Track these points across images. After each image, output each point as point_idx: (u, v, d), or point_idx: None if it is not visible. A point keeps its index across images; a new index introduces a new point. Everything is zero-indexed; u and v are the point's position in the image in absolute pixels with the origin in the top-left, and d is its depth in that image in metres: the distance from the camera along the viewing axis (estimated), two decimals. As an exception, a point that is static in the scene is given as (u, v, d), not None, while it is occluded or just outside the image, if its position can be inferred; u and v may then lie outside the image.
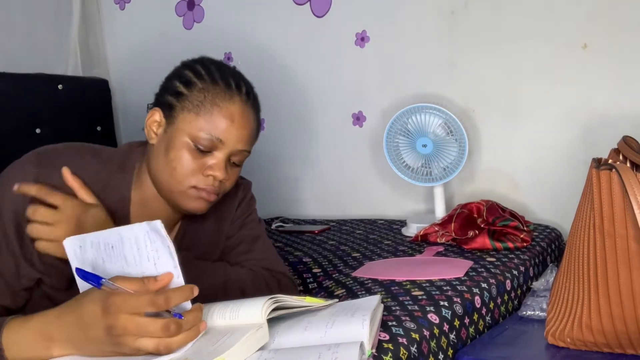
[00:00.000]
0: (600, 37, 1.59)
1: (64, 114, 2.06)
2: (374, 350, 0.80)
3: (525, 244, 1.41)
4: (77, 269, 0.81)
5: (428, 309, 1.01)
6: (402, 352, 0.86)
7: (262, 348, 0.78)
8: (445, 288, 1.12)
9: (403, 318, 0.96)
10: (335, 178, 2.07)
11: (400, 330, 0.91)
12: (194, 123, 0.99)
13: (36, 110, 2.01)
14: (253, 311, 0.79)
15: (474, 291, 1.13)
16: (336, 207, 2.06)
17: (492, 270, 1.25)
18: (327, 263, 1.40)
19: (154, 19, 2.38)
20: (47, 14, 2.29)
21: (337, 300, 0.94)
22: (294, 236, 1.78)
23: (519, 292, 1.28)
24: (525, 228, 1.44)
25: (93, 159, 1.03)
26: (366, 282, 1.21)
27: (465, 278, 1.18)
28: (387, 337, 0.87)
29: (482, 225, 1.44)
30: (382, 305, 0.93)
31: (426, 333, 0.94)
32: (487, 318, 1.15)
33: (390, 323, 0.93)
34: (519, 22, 1.69)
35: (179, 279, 0.80)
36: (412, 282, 1.17)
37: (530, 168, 1.73)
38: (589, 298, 0.93)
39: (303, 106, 2.10)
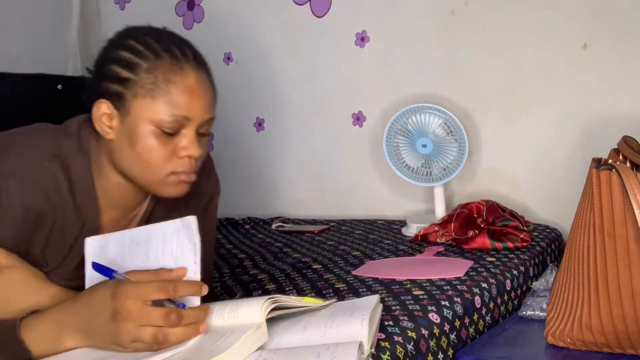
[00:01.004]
0: (600, 37, 1.59)
1: (64, 114, 2.06)
2: (373, 350, 0.80)
3: (525, 244, 1.41)
4: (93, 263, 0.83)
5: (428, 308, 1.01)
6: (399, 351, 0.86)
7: (261, 348, 0.77)
8: (445, 288, 1.12)
9: (401, 317, 0.96)
10: (335, 178, 2.07)
11: (397, 329, 0.91)
12: (153, 108, 0.91)
13: (36, 110, 2.00)
14: (252, 311, 0.79)
15: (474, 291, 1.13)
16: (336, 207, 2.06)
17: (492, 270, 1.25)
18: (327, 261, 1.40)
19: (154, 19, 2.35)
20: (47, 14, 2.30)
21: (335, 300, 0.94)
22: (294, 236, 1.78)
23: (519, 292, 1.28)
24: (525, 228, 1.44)
25: (49, 138, 0.97)
26: (367, 280, 1.21)
27: (465, 278, 1.18)
28: (384, 336, 0.87)
29: (482, 225, 1.44)
30: (381, 305, 0.93)
31: (425, 332, 0.94)
32: (487, 318, 1.14)
33: (386, 323, 0.93)
34: (519, 22, 1.70)
35: (195, 275, 0.80)
36: (413, 281, 1.17)
37: (530, 168, 1.73)
38: (589, 298, 0.93)
39: (303, 106, 2.10)
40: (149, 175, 0.94)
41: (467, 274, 1.21)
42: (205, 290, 0.80)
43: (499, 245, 1.39)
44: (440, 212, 1.69)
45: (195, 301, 0.80)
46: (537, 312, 1.14)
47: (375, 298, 0.90)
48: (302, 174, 2.14)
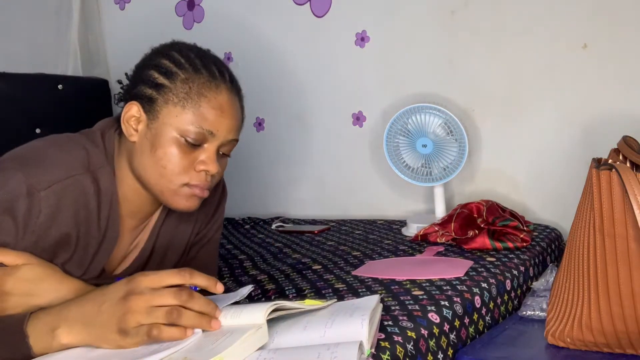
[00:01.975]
0: (600, 37, 1.59)
1: (64, 114, 2.07)
2: (373, 350, 0.80)
3: (525, 244, 1.41)
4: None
5: (428, 308, 1.01)
6: (398, 350, 0.86)
7: (261, 348, 0.77)
8: (445, 288, 1.12)
9: (400, 317, 0.96)
10: (335, 178, 2.07)
11: (396, 329, 0.91)
12: (181, 116, 0.93)
13: (36, 110, 2.01)
14: (254, 314, 0.79)
15: (474, 291, 1.13)
16: (336, 207, 2.06)
17: (492, 270, 1.25)
18: (327, 261, 1.40)
19: (154, 19, 2.38)
20: (47, 14, 2.30)
21: (335, 300, 0.94)
22: (293, 236, 1.78)
23: (519, 292, 1.28)
24: (525, 228, 1.44)
25: (79, 150, 0.96)
26: (366, 280, 1.21)
27: (465, 278, 1.18)
28: (384, 336, 0.87)
29: (482, 225, 1.44)
30: (381, 305, 0.93)
31: (424, 332, 0.94)
32: (487, 318, 1.14)
33: (386, 322, 0.93)
34: (519, 22, 1.70)
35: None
36: (412, 281, 1.17)
37: (530, 168, 1.73)
38: (589, 298, 0.93)
39: (303, 106, 2.10)
40: (163, 182, 0.95)
41: (467, 274, 1.21)
42: (220, 288, 0.81)
43: (499, 245, 1.39)
44: (440, 212, 1.69)
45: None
46: (537, 312, 1.14)
47: (375, 298, 0.90)
48: (302, 174, 2.14)
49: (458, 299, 1.07)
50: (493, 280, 1.20)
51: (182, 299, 0.76)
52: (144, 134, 0.96)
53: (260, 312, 0.79)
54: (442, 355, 0.97)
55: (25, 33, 2.20)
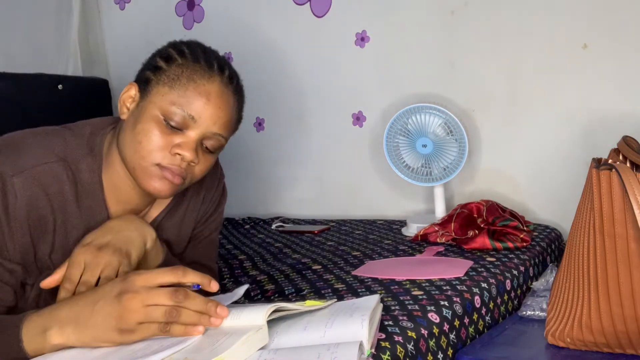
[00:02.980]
0: (600, 37, 1.59)
1: (64, 114, 2.06)
2: (373, 350, 0.80)
3: (525, 244, 1.41)
4: None
5: (428, 308, 1.01)
6: (399, 350, 0.86)
7: (261, 348, 0.77)
8: (445, 288, 1.12)
9: (400, 317, 0.96)
10: (335, 178, 2.07)
11: (397, 329, 0.91)
12: (166, 96, 0.94)
13: (36, 110, 2.01)
14: (255, 315, 0.79)
15: (474, 291, 1.13)
16: (336, 207, 2.06)
17: (492, 270, 1.25)
18: (327, 261, 1.40)
19: (154, 19, 2.38)
20: (47, 14, 2.29)
21: (335, 300, 0.94)
22: (293, 236, 1.78)
23: (519, 292, 1.28)
24: (525, 228, 1.44)
25: (56, 140, 0.97)
26: (366, 280, 1.21)
27: (465, 278, 1.18)
28: (384, 336, 0.87)
29: (482, 225, 1.44)
30: (381, 305, 0.93)
31: (424, 332, 0.94)
32: (487, 318, 1.14)
33: (386, 322, 0.93)
34: (519, 22, 1.70)
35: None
36: (412, 281, 1.17)
37: (530, 168, 1.73)
38: (589, 298, 0.93)
39: (303, 106, 2.10)
40: (136, 159, 0.95)
41: (467, 274, 1.21)
42: (215, 286, 0.81)
43: (499, 245, 1.39)
44: (440, 212, 1.69)
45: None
46: (537, 312, 1.14)
47: (375, 298, 0.90)
48: (302, 174, 2.14)
49: (458, 299, 1.07)
50: (493, 280, 1.20)
51: (178, 299, 0.77)
52: (132, 111, 0.97)
53: (260, 313, 0.79)
54: (442, 355, 0.97)
55: (25, 33, 2.20)
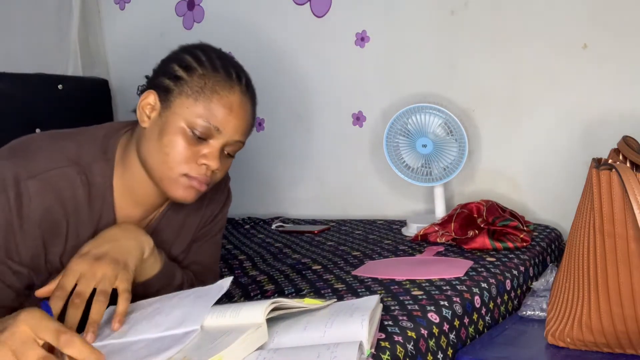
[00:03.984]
0: (600, 37, 1.59)
1: (64, 114, 2.06)
2: (373, 350, 0.80)
3: (525, 244, 1.41)
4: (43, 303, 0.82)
5: (428, 308, 1.01)
6: (399, 350, 0.86)
7: (260, 347, 0.77)
8: (445, 288, 1.12)
9: (400, 317, 0.96)
10: (335, 178, 2.07)
11: (396, 329, 0.91)
12: (191, 108, 0.97)
13: (36, 110, 2.01)
14: (253, 313, 0.79)
15: (474, 291, 1.13)
16: (336, 207, 2.06)
17: (492, 270, 1.25)
18: (327, 261, 1.40)
19: (154, 19, 2.38)
20: (47, 14, 2.29)
21: (335, 300, 0.94)
22: (293, 236, 1.78)
23: (519, 292, 1.28)
24: (525, 228, 1.44)
25: (70, 144, 0.99)
26: (366, 280, 1.21)
27: (465, 278, 1.18)
28: (384, 336, 0.87)
29: (482, 225, 1.44)
30: (381, 305, 0.93)
31: (424, 332, 0.94)
32: (487, 318, 1.14)
33: (386, 322, 0.93)
34: (519, 22, 1.69)
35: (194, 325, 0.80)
36: (412, 281, 1.17)
37: (530, 168, 1.73)
38: (589, 298, 0.93)
39: (303, 106, 2.10)
40: (163, 169, 0.98)
41: (467, 274, 1.21)
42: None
43: (499, 245, 1.39)
44: (440, 212, 1.69)
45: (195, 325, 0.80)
46: (537, 312, 1.14)
47: (375, 298, 0.90)
48: (302, 174, 2.14)
49: (458, 299, 1.07)
50: (493, 280, 1.20)
51: None
52: (155, 121, 0.99)
53: (259, 311, 0.79)
54: (442, 355, 0.97)
55: (25, 33, 2.20)
